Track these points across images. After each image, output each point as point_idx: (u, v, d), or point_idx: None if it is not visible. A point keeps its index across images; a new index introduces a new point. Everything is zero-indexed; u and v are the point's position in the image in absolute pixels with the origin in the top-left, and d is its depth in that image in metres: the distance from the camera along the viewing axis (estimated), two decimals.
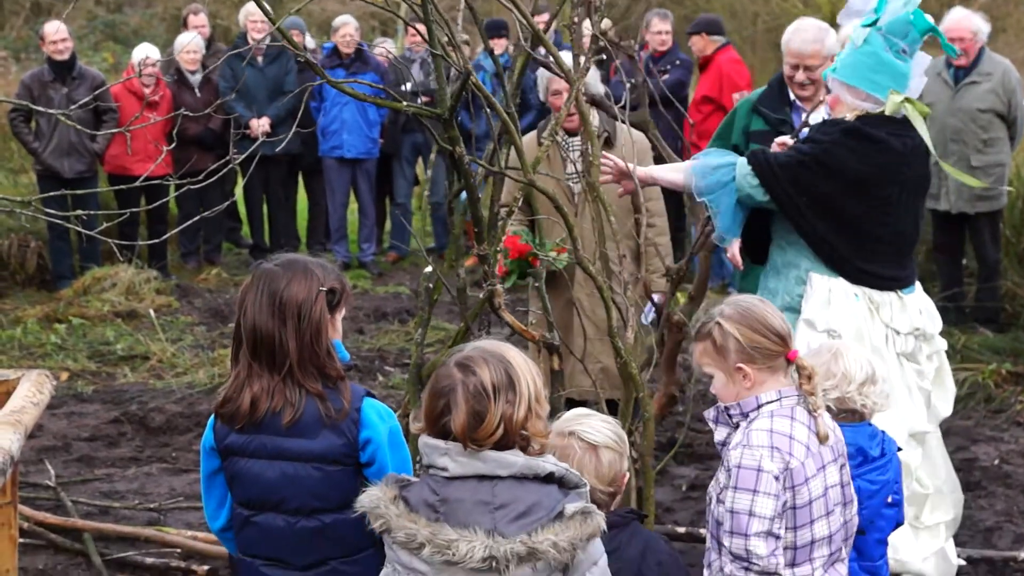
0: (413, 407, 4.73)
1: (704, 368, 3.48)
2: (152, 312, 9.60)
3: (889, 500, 3.88)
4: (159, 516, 6.02)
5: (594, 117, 5.57)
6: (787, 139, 4.95)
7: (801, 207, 4.71)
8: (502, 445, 2.86)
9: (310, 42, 12.66)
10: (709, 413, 3.49)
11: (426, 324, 4.90)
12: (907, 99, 4.64)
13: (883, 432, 3.93)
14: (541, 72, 5.96)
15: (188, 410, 7.57)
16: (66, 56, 10.19)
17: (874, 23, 4.62)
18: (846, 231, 4.72)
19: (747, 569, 3.27)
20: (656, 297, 5.68)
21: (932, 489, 4.93)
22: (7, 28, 19.82)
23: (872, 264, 4.76)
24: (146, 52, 10.77)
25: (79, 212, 4.60)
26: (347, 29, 11.14)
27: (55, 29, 10.15)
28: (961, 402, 7.22)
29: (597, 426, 3.33)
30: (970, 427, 7.21)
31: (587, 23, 4.87)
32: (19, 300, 10.19)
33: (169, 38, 16.29)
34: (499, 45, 11.01)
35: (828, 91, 4.81)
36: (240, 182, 11.77)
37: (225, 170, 4.30)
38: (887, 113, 4.63)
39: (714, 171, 4.78)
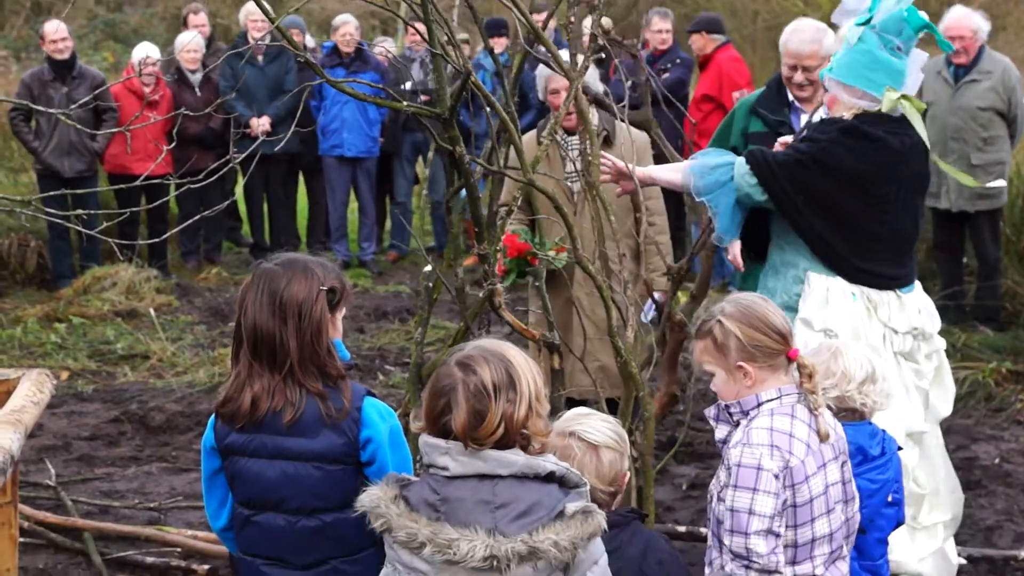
0: (413, 406, 4.73)
1: (705, 366, 3.48)
2: (152, 311, 9.60)
3: (889, 499, 3.88)
4: (159, 515, 6.02)
5: (593, 116, 5.57)
6: (788, 139, 4.96)
7: (799, 205, 4.71)
8: (503, 444, 2.86)
9: (310, 41, 12.66)
10: (710, 411, 3.50)
11: (426, 323, 4.90)
12: (904, 96, 4.64)
13: (883, 431, 3.93)
14: (540, 71, 5.96)
15: (188, 409, 7.57)
16: (66, 55, 10.19)
17: (868, 22, 4.63)
18: (843, 229, 4.72)
19: (747, 567, 3.27)
20: (657, 295, 5.68)
21: (929, 489, 4.91)
22: (7, 27, 19.83)
23: (870, 263, 4.76)
24: (146, 51, 10.78)
25: (79, 211, 4.59)
26: (347, 28, 11.14)
27: (55, 28, 10.15)
28: (961, 401, 7.22)
29: (598, 426, 3.33)
30: (970, 426, 7.21)
31: (587, 22, 4.87)
32: (19, 299, 10.19)
33: (169, 37, 16.29)
34: (499, 44, 11.01)
35: (826, 91, 4.82)
36: (240, 181, 11.78)
37: (225, 169, 4.31)
38: (884, 110, 4.63)
39: (712, 171, 4.78)
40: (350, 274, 10.87)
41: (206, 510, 3.49)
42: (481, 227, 4.42)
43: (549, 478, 2.88)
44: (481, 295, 4.57)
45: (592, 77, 5.52)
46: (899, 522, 3.99)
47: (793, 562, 3.35)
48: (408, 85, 10.89)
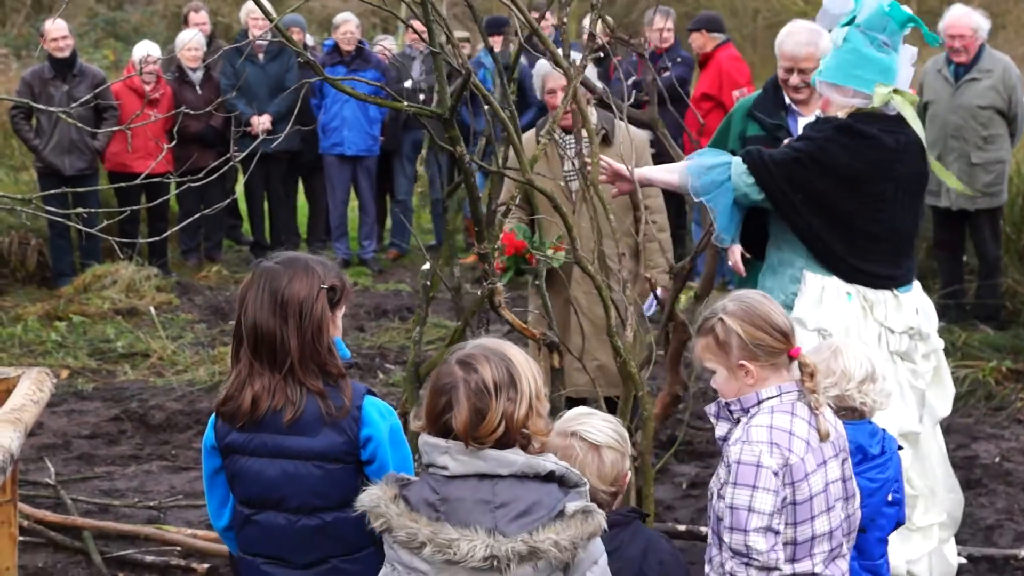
0: (411, 405, 4.73)
1: (706, 364, 3.47)
2: (152, 309, 9.60)
3: (889, 498, 3.88)
4: (159, 514, 6.02)
5: (592, 115, 5.56)
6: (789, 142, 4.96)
7: (796, 204, 4.71)
8: (503, 443, 2.85)
9: (310, 39, 12.66)
10: (710, 408, 3.50)
11: (423, 322, 4.90)
12: (895, 90, 4.65)
13: (883, 430, 3.93)
14: (537, 70, 5.95)
15: (188, 408, 7.57)
16: (67, 53, 10.19)
17: (851, 21, 4.64)
18: (840, 228, 4.72)
19: (747, 565, 3.27)
20: (658, 291, 5.66)
21: (924, 490, 4.90)
22: (8, 25, 19.83)
23: (867, 262, 4.75)
24: (147, 49, 10.77)
25: (80, 210, 4.60)
26: (348, 26, 11.14)
27: (56, 26, 10.14)
28: (961, 400, 7.22)
29: (599, 426, 3.32)
30: (970, 425, 7.21)
31: (586, 21, 4.87)
32: (19, 297, 10.19)
33: (170, 35, 16.29)
34: (499, 43, 11.00)
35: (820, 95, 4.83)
36: (241, 179, 11.77)
37: (226, 167, 4.31)
38: (876, 105, 4.64)
39: (709, 171, 4.77)
40: (350, 272, 10.87)
41: (208, 509, 3.49)
42: (481, 226, 4.41)
43: (549, 478, 2.88)
44: (480, 293, 4.57)
45: (591, 76, 5.51)
46: (899, 522, 3.99)
47: (792, 559, 3.35)
48: (408, 83, 10.88)
